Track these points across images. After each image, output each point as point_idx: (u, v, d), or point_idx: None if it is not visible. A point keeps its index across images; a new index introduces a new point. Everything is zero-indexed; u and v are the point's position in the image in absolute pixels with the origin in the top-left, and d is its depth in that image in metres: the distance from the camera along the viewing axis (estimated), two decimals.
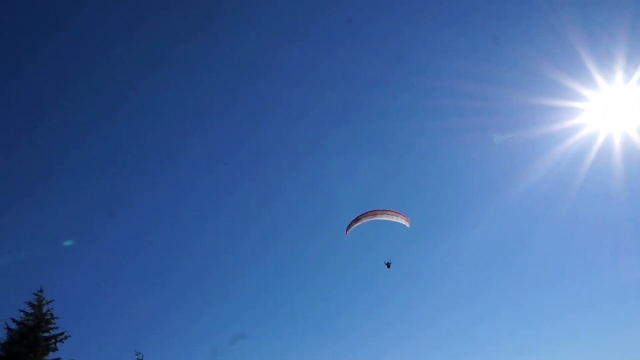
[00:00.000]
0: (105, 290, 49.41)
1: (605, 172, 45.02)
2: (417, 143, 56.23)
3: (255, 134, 56.07)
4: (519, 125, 48.84)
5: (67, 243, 43.02)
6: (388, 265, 24.49)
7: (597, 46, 39.12)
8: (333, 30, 50.96)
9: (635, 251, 49.96)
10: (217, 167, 57.67)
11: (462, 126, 50.77)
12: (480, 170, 55.95)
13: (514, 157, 53.92)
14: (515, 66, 47.81)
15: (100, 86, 49.28)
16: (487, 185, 57.19)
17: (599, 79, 38.71)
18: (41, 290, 23.34)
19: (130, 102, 51.12)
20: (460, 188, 59.24)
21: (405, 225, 24.64)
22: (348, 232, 24.39)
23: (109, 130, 51.48)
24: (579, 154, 44.91)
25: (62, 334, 23.08)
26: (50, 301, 23.34)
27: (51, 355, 22.55)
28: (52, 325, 23.03)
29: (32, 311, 22.77)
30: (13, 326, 22.21)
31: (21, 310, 22.64)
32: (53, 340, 22.78)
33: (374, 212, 23.64)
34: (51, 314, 23.11)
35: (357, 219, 23.67)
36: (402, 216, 24.39)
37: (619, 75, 37.83)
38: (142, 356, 25.25)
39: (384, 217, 23.90)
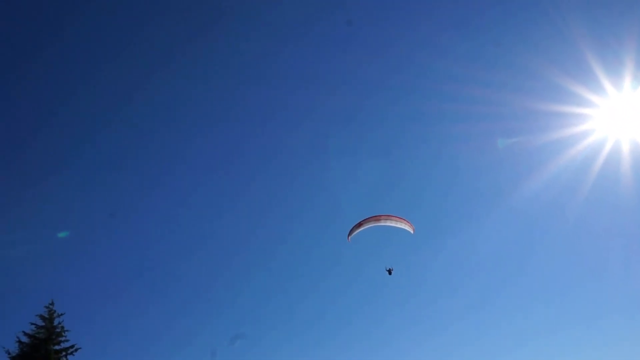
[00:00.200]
0: (106, 292, 49.75)
1: (613, 179, 44.09)
2: (421, 147, 55.88)
3: (259, 137, 56.31)
4: (524, 130, 48.42)
5: (61, 234, 43.80)
6: (389, 272, 24.29)
7: (605, 51, 38.72)
8: (337, 33, 51.44)
9: None
10: (219, 171, 58.28)
11: (467, 131, 50.60)
12: (485, 175, 55.42)
13: (520, 163, 53.32)
14: (522, 71, 47.34)
15: (105, 87, 50.31)
16: (492, 191, 56.31)
17: (607, 84, 38.31)
18: (52, 303, 23.79)
19: (134, 103, 51.84)
20: (466, 193, 58.46)
21: (409, 231, 24.42)
22: (350, 237, 24.13)
23: (113, 132, 52.17)
24: (586, 161, 44.14)
25: (72, 346, 23.43)
26: (62, 314, 23.76)
27: None
28: (63, 338, 23.41)
29: (43, 324, 23.19)
30: (24, 339, 22.61)
31: (32, 323, 23.10)
32: (64, 353, 23.12)
33: (377, 218, 23.36)
34: (62, 327, 23.50)
35: (359, 225, 23.33)
36: (405, 222, 24.10)
37: (628, 81, 37.51)
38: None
39: (388, 223, 23.64)
